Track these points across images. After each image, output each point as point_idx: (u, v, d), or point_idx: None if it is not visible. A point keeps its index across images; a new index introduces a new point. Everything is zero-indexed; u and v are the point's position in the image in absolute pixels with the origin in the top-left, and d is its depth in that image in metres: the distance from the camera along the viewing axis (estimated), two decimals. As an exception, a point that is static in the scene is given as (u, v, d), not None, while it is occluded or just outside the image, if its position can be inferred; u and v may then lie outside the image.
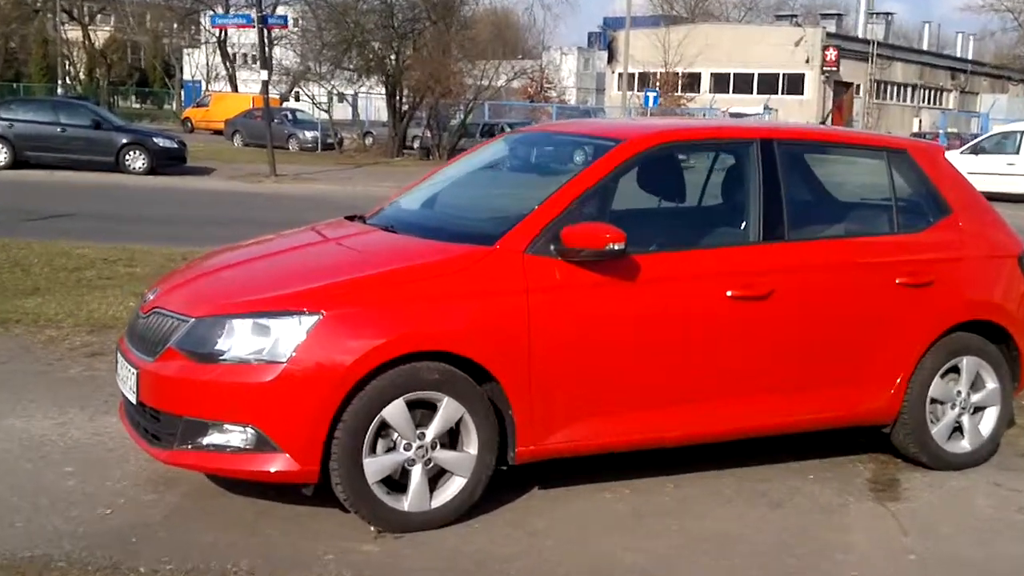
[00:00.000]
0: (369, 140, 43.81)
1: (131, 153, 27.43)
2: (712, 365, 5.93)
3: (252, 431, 5.07)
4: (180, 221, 18.63)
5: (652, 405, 5.83)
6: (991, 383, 6.75)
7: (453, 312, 5.30)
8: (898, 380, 6.45)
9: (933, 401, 6.63)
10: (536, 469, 5.84)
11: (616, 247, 5.51)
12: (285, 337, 5.07)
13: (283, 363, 5.05)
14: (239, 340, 5.12)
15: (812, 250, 6.24)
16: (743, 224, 6.21)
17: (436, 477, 5.44)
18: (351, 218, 6.80)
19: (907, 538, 5.65)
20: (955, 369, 6.67)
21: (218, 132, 49.34)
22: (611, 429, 5.73)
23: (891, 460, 6.81)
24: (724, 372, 5.97)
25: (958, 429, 6.75)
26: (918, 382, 6.52)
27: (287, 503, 5.61)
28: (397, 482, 5.36)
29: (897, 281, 6.38)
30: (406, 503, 5.33)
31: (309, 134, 43.27)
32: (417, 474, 5.35)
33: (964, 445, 6.74)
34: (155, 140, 28.56)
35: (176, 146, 28.71)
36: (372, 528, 5.32)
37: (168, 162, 27.99)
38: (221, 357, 5.12)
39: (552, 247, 5.54)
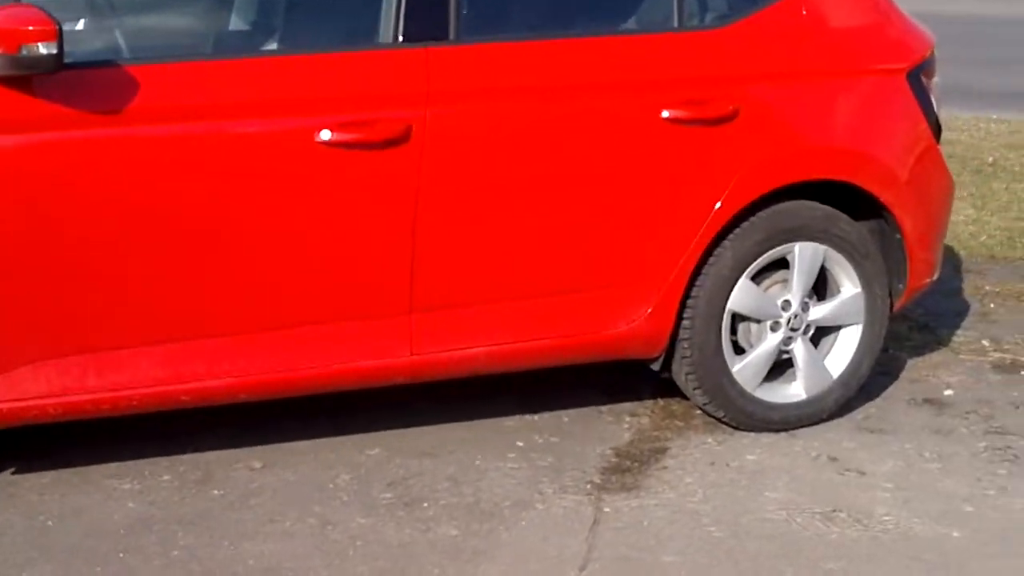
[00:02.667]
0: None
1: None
2: (301, 268, 3.35)
3: None
4: None
5: (159, 338, 3.26)
6: (849, 287, 4.02)
7: None
8: (665, 284, 3.74)
9: (739, 318, 3.92)
10: None
11: (44, 50, 2.87)
12: None
13: None
14: None
15: (501, 59, 3.51)
16: (367, 13, 3.48)
17: None
18: None
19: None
20: (781, 264, 3.93)
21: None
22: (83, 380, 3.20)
23: (685, 408, 4.15)
24: (307, 282, 3.36)
25: (786, 364, 4.03)
26: (708, 286, 3.81)
27: None
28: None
29: (664, 114, 3.62)
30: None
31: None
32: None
33: (793, 391, 4.04)
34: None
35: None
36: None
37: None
38: None
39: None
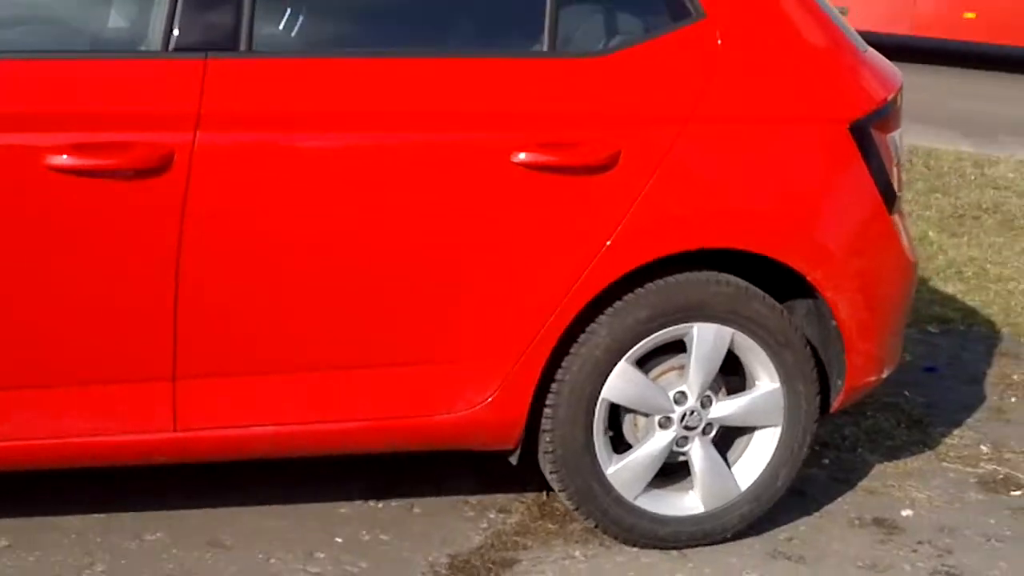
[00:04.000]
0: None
1: None
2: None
3: None
4: None
5: None
6: (765, 381, 3.25)
7: None
8: (514, 363, 3.04)
9: (624, 409, 3.19)
10: None
11: None
12: None
13: None
14: None
15: (304, 78, 2.87)
16: (135, 12, 2.88)
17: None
18: None
19: None
20: (677, 347, 3.19)
21: None
22: None
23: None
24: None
25: (681, 467, 3.29)
26: (575, 369, 3.10)
27: None
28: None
29: (517, 158, 2.92)
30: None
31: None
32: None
33: (689, 502, 3.29)
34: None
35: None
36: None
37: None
38: None
39: None
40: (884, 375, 3.41)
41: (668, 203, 3.05)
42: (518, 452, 3.20)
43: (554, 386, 3.12)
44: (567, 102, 2.99)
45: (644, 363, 3.21)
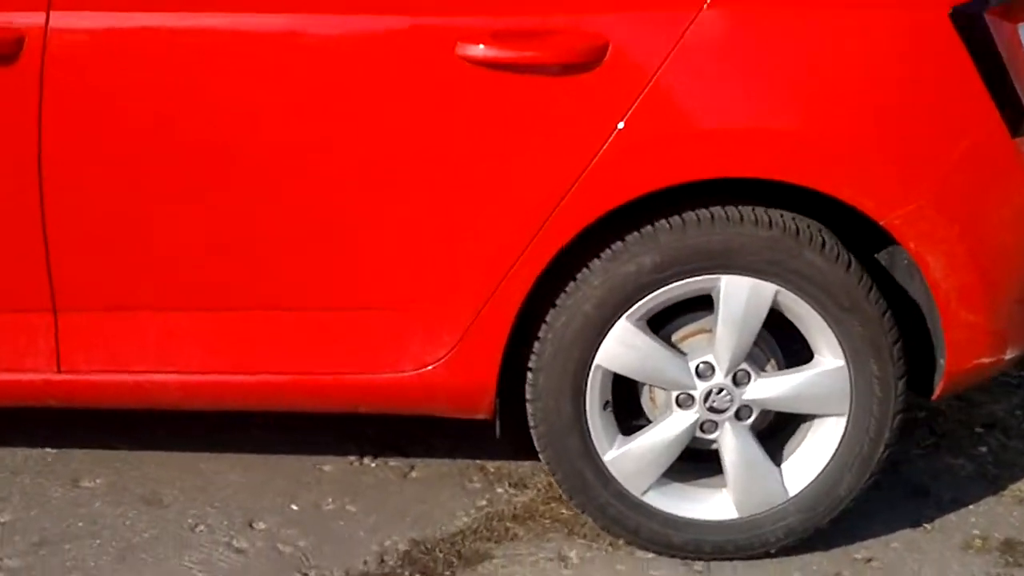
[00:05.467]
0: None
1: None
2: None
3: None
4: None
5: None
6: (828, 356, 2.44)
7: None
8: (472, 315, 2.40)
9: (620, 379, 2.48)
10: None
11: None
12: None
13: None
14: None
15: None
16: None
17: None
18: None
19: None
20: (702, 303, 2.43)
21: None
22: None
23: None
24: None
25: (710, 457, 2.55)
26: (559, 327, 2.41)
27: None
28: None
29: (466, 51, 2.24)
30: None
31: None
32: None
33: (719, 504, 2.55)
34: None
35: None
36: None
37: None
38: None
39: None
40: (1008, 356, 2.49)
41: (673, 115, 2.29)
42: (496, 422, 2.55)
43: (536, 346, 2.45)
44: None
45: (664, 322, 2.48)
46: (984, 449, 3.06)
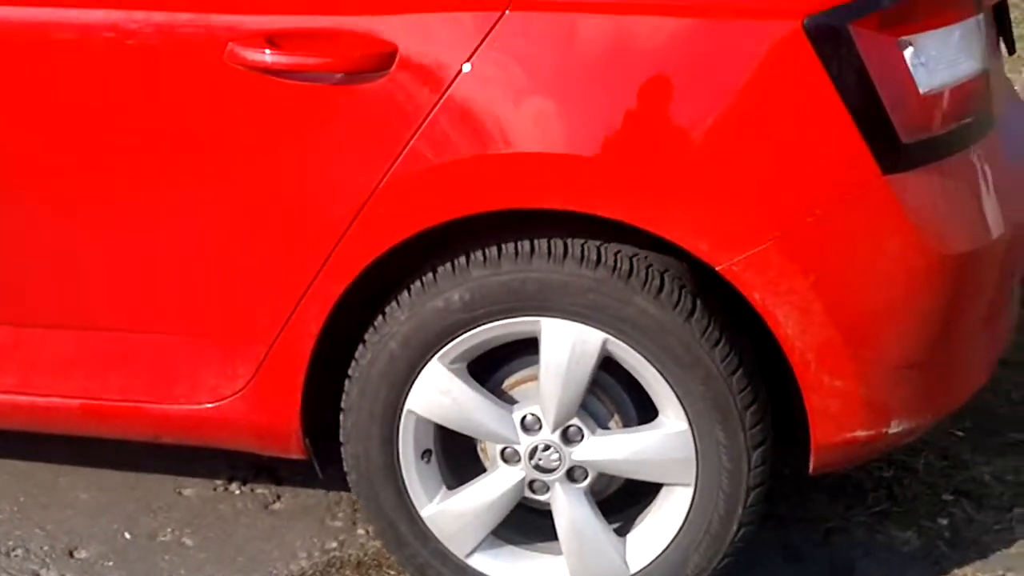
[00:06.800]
0: None
1: None
2: None
3: None
4: None
5: None
6: (671, 417, 2.08)
7: None
8: (266, 347, 2.16)
9: (437, 428, 2.20)
10: None
11: None
12: None
13: None
14: None
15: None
16: None
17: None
18: None
19: None
20: (524, 347, 2.12)
21: None
22: None
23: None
24: None
25: (542, 515, 2.24)
26: (365, 366, 2.14)
27: None
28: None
29: (239, 54, 1.98)
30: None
31: None
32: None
33: (550, 572, 2.22)
34: None
35: None
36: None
37: None
38: None
39: None
40: (893, 430, 2.08)
41: (466, 135, 1.96)
42: (313, 461, 2.29)
43: (346, 384, 2.18)
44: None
45: (497, 367, 2.17)
46: (944, 521, 2.61)
